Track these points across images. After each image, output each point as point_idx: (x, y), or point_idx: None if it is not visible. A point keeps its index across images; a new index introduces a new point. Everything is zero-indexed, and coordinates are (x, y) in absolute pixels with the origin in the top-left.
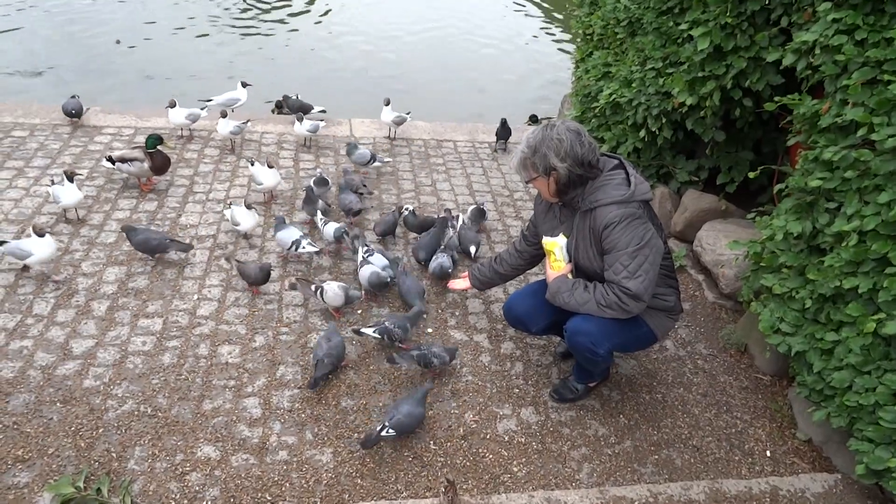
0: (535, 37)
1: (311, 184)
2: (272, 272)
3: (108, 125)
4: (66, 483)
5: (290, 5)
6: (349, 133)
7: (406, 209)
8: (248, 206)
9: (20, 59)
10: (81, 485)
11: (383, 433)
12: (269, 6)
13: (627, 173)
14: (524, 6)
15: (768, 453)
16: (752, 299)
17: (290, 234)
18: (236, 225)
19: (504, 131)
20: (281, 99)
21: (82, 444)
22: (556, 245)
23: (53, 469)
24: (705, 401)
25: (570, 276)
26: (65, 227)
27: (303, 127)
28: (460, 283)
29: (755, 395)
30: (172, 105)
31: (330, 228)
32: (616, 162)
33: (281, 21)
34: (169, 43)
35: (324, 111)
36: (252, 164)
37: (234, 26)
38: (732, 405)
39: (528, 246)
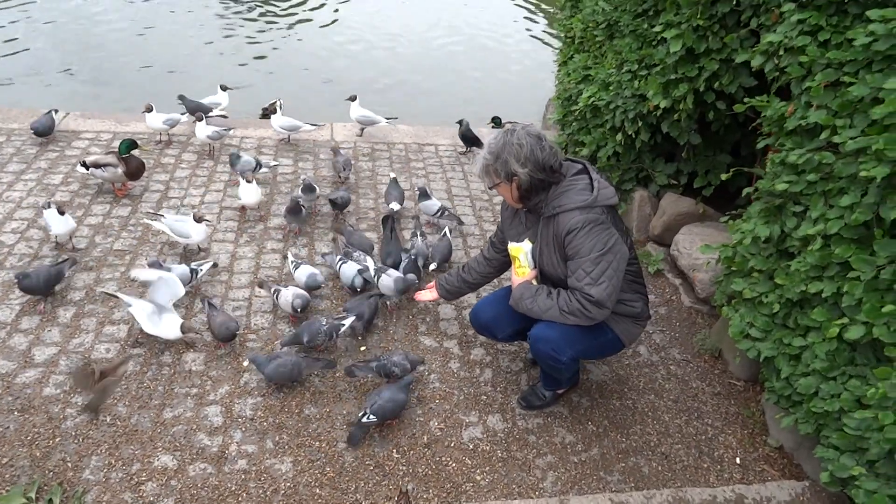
0: (532, 35)
1: (299, 192)
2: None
3: (86, 129)
4: (17, 494)
5: (295, 13)
6: (330, 137)
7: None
8: (199, 220)
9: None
10: (33, 496)
11: (364, 419)
12: (278, 10)
13: (591, 178)
14: (533, 13)
15: (738, 460)
16: (724, 304)
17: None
18: (186, 237)
19: (467, 135)
20: (266, 107)
21: (38, 454)
22: (520, 251)
23: (6, 479)
24: (676, 407)
25: (534, 282)
26: (35, 233)
27: (203, 131)
28: (427, 294)
29: (727, 402)
30: (149, 110)
31: (349, 271)
32: (580, 167)
33: (289, 26)
34: (179, 48)
35: (224, 116)
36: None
37: (245, 36)
38: (704, 411)
39: (496, 253)
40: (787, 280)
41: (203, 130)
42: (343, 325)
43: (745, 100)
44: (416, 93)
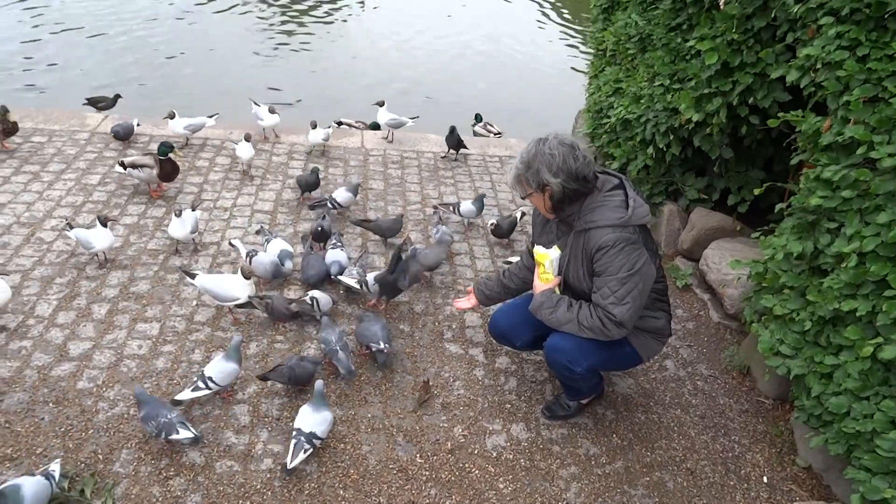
0: (561, 46)
1: (322, 224)
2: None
3: None
4: None
5: (331, 23)
6: (360, 145)
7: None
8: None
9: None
10: (66, 485)
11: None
12: (308, 20)
13: (627, 195)
14: (560, 24)
15: (765, 479)
16: (754, 320)
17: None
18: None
19: (452, 139)
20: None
21: (71, 445)
22: (547, 257)
23: (41, 469)
24: (703, 423)
25: (556, 290)
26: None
27: (179, 124)
28: (465, 302)
29: (755, 419)
30: (172, 116)
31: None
32: (616, 182)
33: (326, 32)
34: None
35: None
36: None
37: (278, 42)
38: (731, 428)
39: (533, 261)
40: (819, 297)
41: (178, 124)
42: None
43: (780, 115)
44: (444, 103)
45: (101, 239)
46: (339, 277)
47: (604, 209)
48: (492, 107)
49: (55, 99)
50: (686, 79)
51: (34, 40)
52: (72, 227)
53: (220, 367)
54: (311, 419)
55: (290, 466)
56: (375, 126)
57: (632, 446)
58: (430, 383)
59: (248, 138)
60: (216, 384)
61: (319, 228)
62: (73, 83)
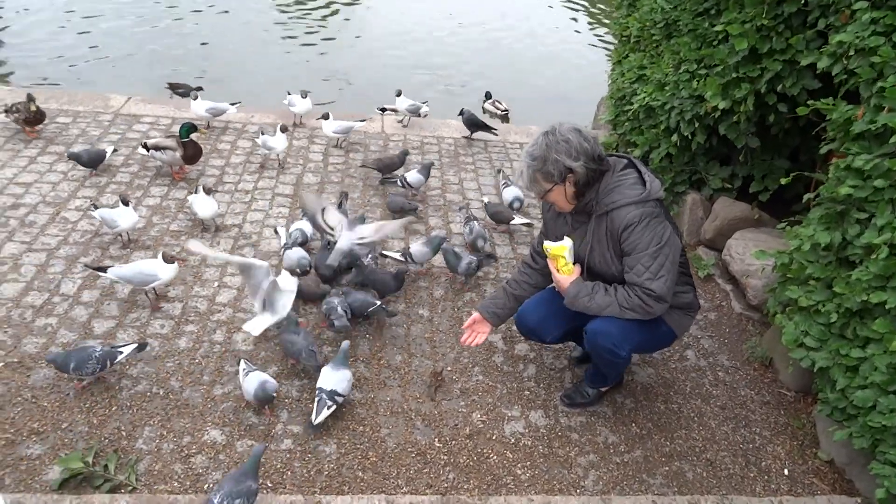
0: (574, 20)
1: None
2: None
3: (147, 114)
4: (76, 458)
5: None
6: (381, 130)
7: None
8: (208, 192)
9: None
10: (90, 460)
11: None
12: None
13: (639, 171)
14: (582, 12)
15: (786, 472)
16: (777, 311)
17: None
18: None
19: (466, 120)
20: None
21: (95, 421)
22: (564, 249)
23: (65, 443)
24: (723, 414)
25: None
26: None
27: (201, 106)
28: (480, 336)
29: (777, 411)
30: (195, 97)
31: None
32: (626, 161)
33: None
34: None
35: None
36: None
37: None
38: (752, 420)
39: (543, 259)
40: (846, 289)
41: (200, 106)
42: (121, 352)
43: (809, 103)
44: (466, 88)
45: (125, 218)
46: (385, 252)
47: (622, 188)
48: (517, 94)
49: (87, 84)
50: (713, 65)
51: (62, 28)
52: (96, 208)
53: (338, 378)
54: (332, 378)
55: (315, 422)
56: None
57: (651, 435)
58: (443, 374)
59: (283, 129)
60: (342, 395)
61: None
62: (104, 68)
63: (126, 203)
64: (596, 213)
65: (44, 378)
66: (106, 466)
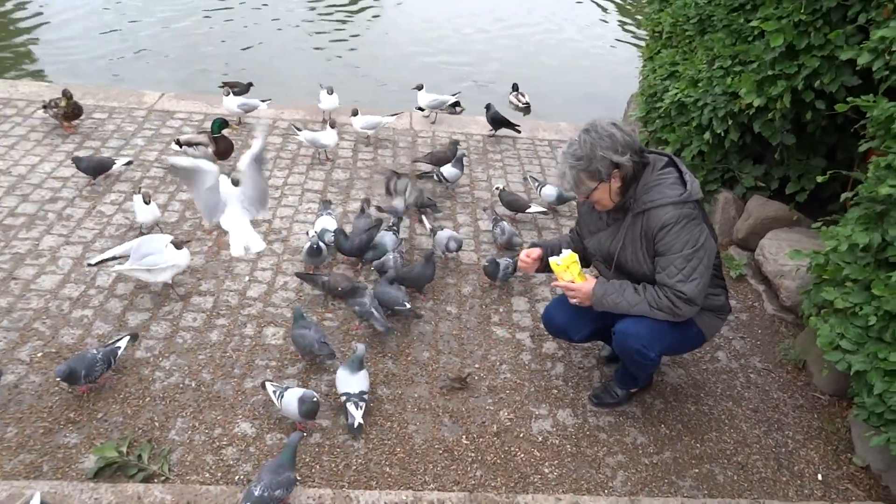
0: (604, 21)
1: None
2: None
3: (179, 110)
4: (110, 447)
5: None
6: (409, 126)
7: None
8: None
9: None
10: (124, 450)
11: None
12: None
13: (680, 171)
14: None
15: (820, 477)
16: (812, 313)
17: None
18: None
19: (489, 116)
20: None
21: (129, 411)
22: (572, 259)
23: (101, 433)
24: (755, 416)
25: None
26: (131, 205)
27: (233, 102)
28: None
29: (810, 415)
30: (227, 93)
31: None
32: (666, 160)
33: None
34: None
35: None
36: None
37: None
38: (785, 423)
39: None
40: (885, 291)
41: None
42: (119, 347)
43: (848, 100)
44: (494, 84)
45: (143, 213)
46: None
47: (661, 187)
48: (549, 90)
49: (122, 81)
50: (748, 61)
51: (105, 28)
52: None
53: (360, 379)
54: (354, 380)
55: (356, 425)
56: (456, 104)
57: (681, 437)
58: (467, 379)
59: (332, 125)
60: (367, 393)
61: (315, 246)
62: (136, 65)
63: (147, 202)
64: (633, 211)
65: None
66: (140, 456)
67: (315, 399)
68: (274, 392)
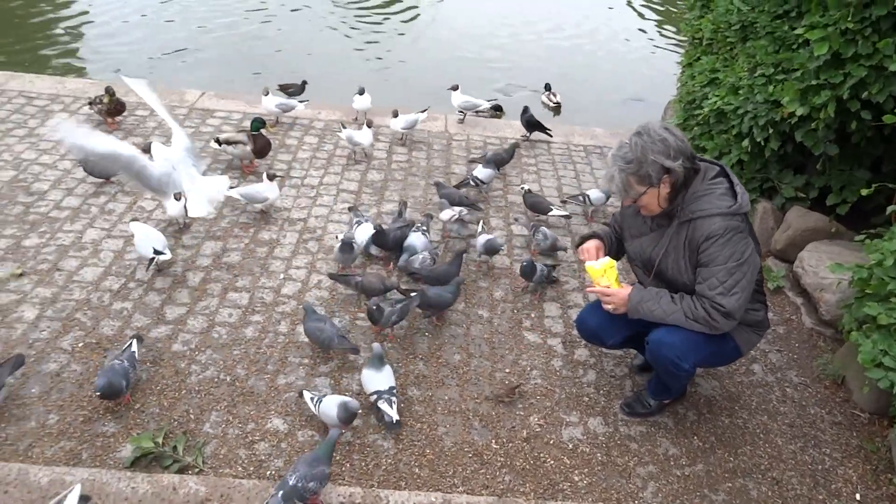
0: (642, 30)
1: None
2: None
3: (219, 108)
4: (147, 437)
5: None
6: (444, 129)
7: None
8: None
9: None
10: (160, 440)
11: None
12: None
13: (731, 182)
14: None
15: (858, 497)
16: (853, 328)
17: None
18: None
19: (524, 119)
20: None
21: (165, 403)
22: (611, 264)
23: (137, 423)
24: (791, 432)
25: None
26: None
27: (272, 101)
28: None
29: (849, 433)
30: (266, 93)
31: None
32: (718, 169)
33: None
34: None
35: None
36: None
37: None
38: (822, 440)
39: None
40: None
41: (270, 101)
42: (134, 351)
43: None
44: (528, 88)
45: (173, 208)
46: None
47: (710, 197)
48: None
49: (168, 80)
50: (791, 69)
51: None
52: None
53: (386, 376)
54: (381, 378)
55: (396, 419)
56: (498, 108)
57: (714, 450)
58: (518, 389)
59: (369, 124)
60: (395, 388)
61: (346, 243)
62: (175, 64)
63: (178, 199)
64: (679, 219)
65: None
66: (175, 447)
67: (356, 408)
68: (311, 399)
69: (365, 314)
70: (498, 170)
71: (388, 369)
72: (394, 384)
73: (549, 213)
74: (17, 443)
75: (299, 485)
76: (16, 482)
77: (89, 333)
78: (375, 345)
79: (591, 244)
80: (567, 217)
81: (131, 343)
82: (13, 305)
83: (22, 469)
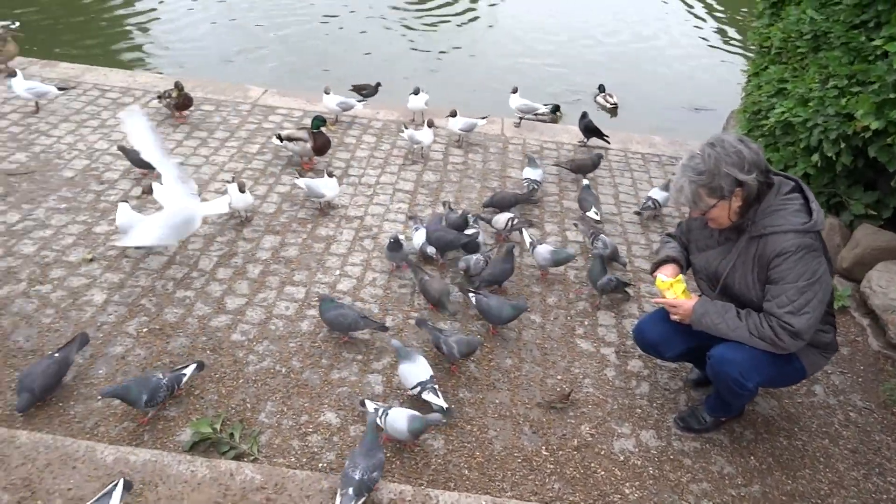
0: (703, 38)
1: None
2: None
3: (281, 106)
4: (205, 423)
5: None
6: (500, 132)
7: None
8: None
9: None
10: (218, 427)
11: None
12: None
13: (806, 198)
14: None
15: None
16: None
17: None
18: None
19: (582, 124)
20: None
21: (223, 391)
22: (680, 278)
23: (197, 409)
24: (854, 458)
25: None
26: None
27: (332, 100)
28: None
29: None
30: (327, 91)
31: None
32: (793, 184)
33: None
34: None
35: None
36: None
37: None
38: (887, 469)
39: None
40: None
41: (331, 101)
42: (184, 374)
43: None
44: (584, 97)
45: (238, 199)
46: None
47: (784, 213)
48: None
49: (232, 76)
50: (867, 82)
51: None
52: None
53: (423, 367)
54: (418, 369)
55: (445, 406)
56: (556, 108)
57: (771, 471)
58: (570, 396)
59: (430, 124)
60: (434, 376)
61: (394, 241)
62: (247, 62)
63: (242, 190)
64: (750, 234)
65: (181, 346)
66: (232, 434)
67: (432, 421)
68: (376, 410)
69: (417, 314)
70: (581, 174)
71: (422, 359)
72: (432, 373)
73: (586, 213)
74: (84, 421)
75: (365, 477)
76: (84, 458)
77: (153, 319)
78: (394, 341)
79: (669, 269)
80: (599, 223)
81: (187, 366)
82: (83, 289)
83: (90, 447)
